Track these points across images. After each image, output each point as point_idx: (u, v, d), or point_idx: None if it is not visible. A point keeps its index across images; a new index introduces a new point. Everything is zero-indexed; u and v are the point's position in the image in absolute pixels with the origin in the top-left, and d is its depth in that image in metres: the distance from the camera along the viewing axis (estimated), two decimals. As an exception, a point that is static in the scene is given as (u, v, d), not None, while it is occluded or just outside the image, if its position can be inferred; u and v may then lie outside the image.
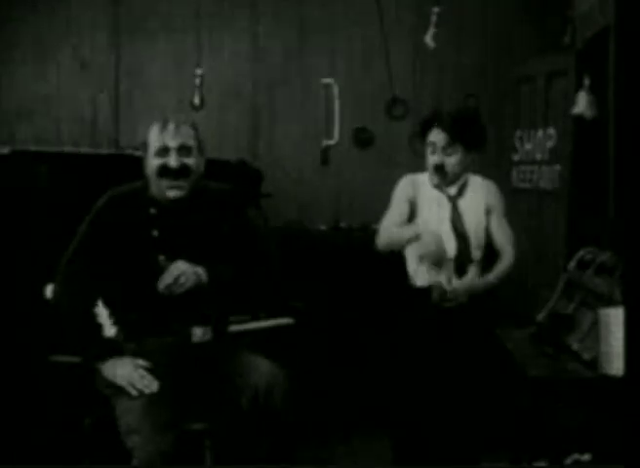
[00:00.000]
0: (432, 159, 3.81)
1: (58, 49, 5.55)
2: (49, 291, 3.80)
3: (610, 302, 3.29)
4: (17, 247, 4.07)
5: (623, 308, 2.75)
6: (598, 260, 3.67)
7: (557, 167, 4.97)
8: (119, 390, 3.04)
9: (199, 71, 5.32)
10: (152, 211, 3.26)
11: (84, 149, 5.14)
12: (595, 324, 3.32)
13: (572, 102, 4.57)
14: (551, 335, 3.59)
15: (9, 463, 3.79)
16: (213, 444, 3.29)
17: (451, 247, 3.79)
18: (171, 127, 3.21)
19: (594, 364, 3.27)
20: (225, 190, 3.45)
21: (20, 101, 5.54)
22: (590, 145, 4.68)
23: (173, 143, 3.20)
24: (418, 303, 3.85)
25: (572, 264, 3.84)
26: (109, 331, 3.26)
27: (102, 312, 3.27)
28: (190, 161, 3.23)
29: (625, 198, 2.67)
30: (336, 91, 5.67)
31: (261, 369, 3.24)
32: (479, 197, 3.90)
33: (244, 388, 3.17)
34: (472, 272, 3.85)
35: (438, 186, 3.85)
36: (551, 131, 5.04)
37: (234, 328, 3.81)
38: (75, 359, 3.31)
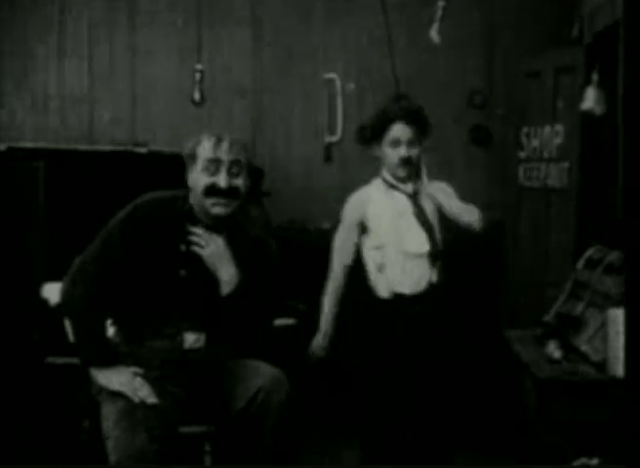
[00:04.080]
0: (398, 153, 3.75)
1: (58, 45, 5.50)
2: (45, 290, 3.77)
3: (619, 302, 3.24)
4: (13, 245, 4.04)
5: (624, 308, 2.68)
6: (607, 260, 3.62)
7: (565, 164, 4.90)
8: (108, 396, 3.04)
9: (199, 66, 5.26)
10: (187, 225, 3.19)
11: (81, 146, 5.10)
12: (604, 324, 3.29)
13: (580, 98, 4.51)
14: (559, 336, 3.55)
15: (7, 464, 3.77)
16: (212, 447, 3.28)
17: (422, 241, 3.75)
18: (225, 143, 3.13)
19: (603, 365, 3.23)
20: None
21: (21, 98, 5.51)
22: (599, 142, 4.62)
23: (225, 157, 3.13)
24: (382, 314, 3.80)
25: (580, 264, 3.80)
26: (108, 331, 3.24)
27: None
28: (239, 182, 3.16)
29: (634, 196, 2.61)
30: (339, 86, 5.61)
31: (263, 371, 3.23)
32: (430, 195, 3.83)
33: (244, 391, 3.15)
34: (438, 266, 3.79)
35: (404, 180, 3.80)
36: (559, 127, 4.98)
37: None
38: (72, 360, 3.27)
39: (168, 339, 3.17)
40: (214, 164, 3.12)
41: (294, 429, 3.24)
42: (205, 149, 3.13)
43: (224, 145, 3.12)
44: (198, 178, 3.14)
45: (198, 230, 3.16)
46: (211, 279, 3.16)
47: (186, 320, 3.18)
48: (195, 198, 3.18)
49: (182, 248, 3.17)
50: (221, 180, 3.11)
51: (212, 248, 3.15)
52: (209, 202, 3.13)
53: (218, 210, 3.14)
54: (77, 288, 3.13)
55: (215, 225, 3.19)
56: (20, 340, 4.01)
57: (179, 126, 5.39)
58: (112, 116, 5.50)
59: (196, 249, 3.15)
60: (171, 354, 3.17)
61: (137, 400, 2.98)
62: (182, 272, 3.17)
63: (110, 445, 2.90)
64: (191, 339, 3.19)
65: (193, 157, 3.15)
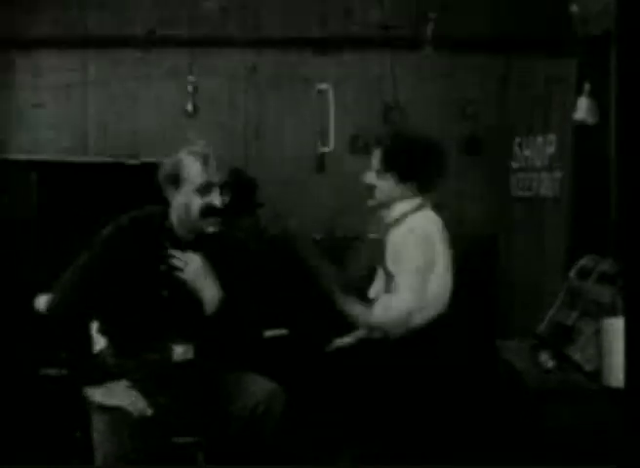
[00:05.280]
0: (366, 177, 3.79)
1: (51, 55, 5.49)
2: (39, 302, 3.76)
3: (612, 312, 3.23)
4: (6, 257, 4.03)
5: (624, 318, 2.68)
6: (600, 269, 3.62)
7: (558, 174, 4.91)
8: (98, 408, 3.04)
9: (192, 78, 5.25)
10: (166, 244, 3.18)
11: (75, 158, 5.08)
12: (597, 334, 3.28)
13: (572, 108, 4.51)
14: (552, 346, 3.54)
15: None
16: (205, 458, 3.25)
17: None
18: (213, 163, 3.13)
19: (596, 375, 3.22)
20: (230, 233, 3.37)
21: (13, 110, 5.50)
22: (591, 151, 4.62)
23: (217, 179, 3.14)
24: None
25: (573, 273, 3.79)
26: (98, 343, 3.23)
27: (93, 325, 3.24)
28: (228, 197, 3.18)
29: (627, 205, 2.61)
30: (331, 97, 5.60)
31: (259, 384, 3.22)
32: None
33: (242, 404, 3.14)
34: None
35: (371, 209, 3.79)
36: (551, 137, 4.98)
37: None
38: (65, 372, 3.26)
39: (157, 352, 3.16)
40: (206, 186, 3.12)
41: (287, 439, 3.25)
42: (194, 172, 3.13)
43: (213, 167, 3.13)
44: (189, 200, 3.13)
45: (176, 252, 3.15)
46: (195, 296, 3.17)
47: (174, 333, 3.17)
48: (181, 217, 3.18)
49: (163, 268, 3.16)
50: (216, 200, 3.12)
51: (191, 269, 3.14)
52: (204, 222, 3.15)
53: (213, 228, 3.17)
54: (62, 311, 3.15)
55: (195, 241, 3.20)
56: (14, 352, 3.99)
57: (171, 138, 5.38)
58: (105, 128, 5.49)
59: (176, 272, 3.15)
60: (160, 366, 3.16)
61: (136, 414, 2.98)
62: (165, 292, 3.17)
63: (100, 455, 2.92)
64: (180, 351, 3.18)
65: (177, 179, 3.14)
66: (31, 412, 4.03)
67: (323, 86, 5.61)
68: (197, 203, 3.12)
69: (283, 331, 4.30)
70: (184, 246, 3.19)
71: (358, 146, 5.65)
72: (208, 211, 3.13)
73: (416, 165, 3.72)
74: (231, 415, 3.14)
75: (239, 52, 5.63)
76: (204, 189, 3.12)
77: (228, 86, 5.64)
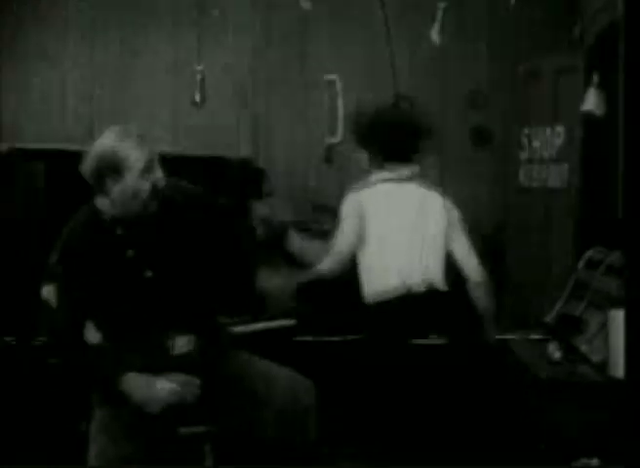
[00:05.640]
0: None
1: (58, 45, 5.50)
2: (45, 292, 3.76)
3: (619, 303, 3.23)
4: (14, 246, 4.03)
5: (625, 309, 2.69)
6: (607, 260, 3.62)
7: (566, 165, 4.91)
8: (98, 400, 3.03)
9: (200, 68, 5.25)
10: (119, 231, 3.08)
11: (83, 147, 5.08)
12: (604, 325, 3.28)
13: (581, 99, 4.51)
14: (560, 337, 3.54)
15: (6, 465, 3.76)
16: (213, 448, 3.24)
17: None
18: (147, 142, 3.00)
19: (603, 366, 3.22)
20: (189, 192, 3.27)
21: (20, 98, 5.51)
22: (600, 143, 4.62)
23: (154, 156, 3.01)
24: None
25: (581, 265, 3.79)
26: (94, 338, 3.20)
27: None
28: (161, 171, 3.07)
29: (635, 197, 2.61)
30: (339, 87, 5.59)
31: (284, 377, 3.17)
32: None
33: (265, 400, 3.08)
34: None
35: None
36: (560, 128, 4.98)
37: (236, 329, 3.81)
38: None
39: (155, 344, 3.10)
40: (147, 168, 2.99)
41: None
42: (134, 157, 2.96)
43: (146, 145, 3.00)
44: (136, 184, 2.98)
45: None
46: (178, 274, 3.11)
47: (172, 322, 3.11)
48: (126, 203, 3.03)
49: (130, 253, 3.08)
50: (160, 180, 3.03)
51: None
52: (153, 202, 3.05)
53: (155, 207, 3.07)
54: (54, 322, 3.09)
55: (144, 222, 3.09)
56: (21, 341, 4.00)
57: (179, 127, 5.39)
58: (113, 117, 5.49)
59: None
60: (160, 359, 3.08)
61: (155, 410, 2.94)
62: (148, 273, 3.08)
63: (93, 450, 2.89)
64: (181, 343, 3.12)
65: (117, 168, 2.97)
66: (36, 402, 4.03)
67: (331, 77, 5.61)
68: (145, 185, 3.00)
69: (291, 322, 4.29)
70: (136, 228, 3.09)
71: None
72: (155, 190, 3.02)
73: (363, 138, 3.78)
74: (237, 403, 3.09)
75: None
76: (147, 171, 2.99)
77: (237, 75, 5.66)
